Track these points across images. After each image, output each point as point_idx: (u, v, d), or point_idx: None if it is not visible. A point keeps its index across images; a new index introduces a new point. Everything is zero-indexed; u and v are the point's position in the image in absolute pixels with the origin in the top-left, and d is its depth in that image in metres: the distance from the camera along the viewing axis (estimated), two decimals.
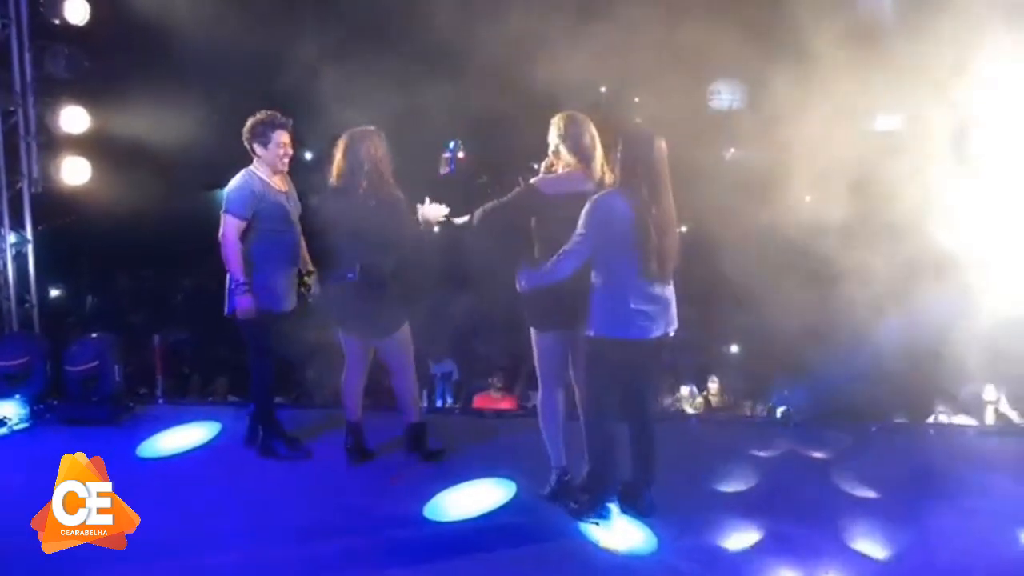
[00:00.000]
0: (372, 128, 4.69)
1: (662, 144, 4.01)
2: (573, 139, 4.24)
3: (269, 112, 4.82)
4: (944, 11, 5.64)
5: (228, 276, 4.80)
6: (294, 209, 4.96)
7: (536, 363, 4.46)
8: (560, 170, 4.30)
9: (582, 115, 4.32)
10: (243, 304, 4.70)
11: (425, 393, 9.53)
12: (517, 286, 4.25)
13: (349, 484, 4.82)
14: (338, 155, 4.64)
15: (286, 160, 4.87)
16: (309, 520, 4.38)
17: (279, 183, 4.89)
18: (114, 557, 3.77)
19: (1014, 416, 7.29)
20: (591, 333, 4.08)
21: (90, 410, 5.82)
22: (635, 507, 4.31)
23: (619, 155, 3.98)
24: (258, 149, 4.80)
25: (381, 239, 4.59)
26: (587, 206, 3.97)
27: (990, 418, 7.37)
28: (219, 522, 4.37)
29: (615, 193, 3.96)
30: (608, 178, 4.07)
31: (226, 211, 4.71)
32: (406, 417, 5.00)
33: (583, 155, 4.22)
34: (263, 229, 4.77)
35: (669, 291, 4.15)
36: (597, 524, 4.22)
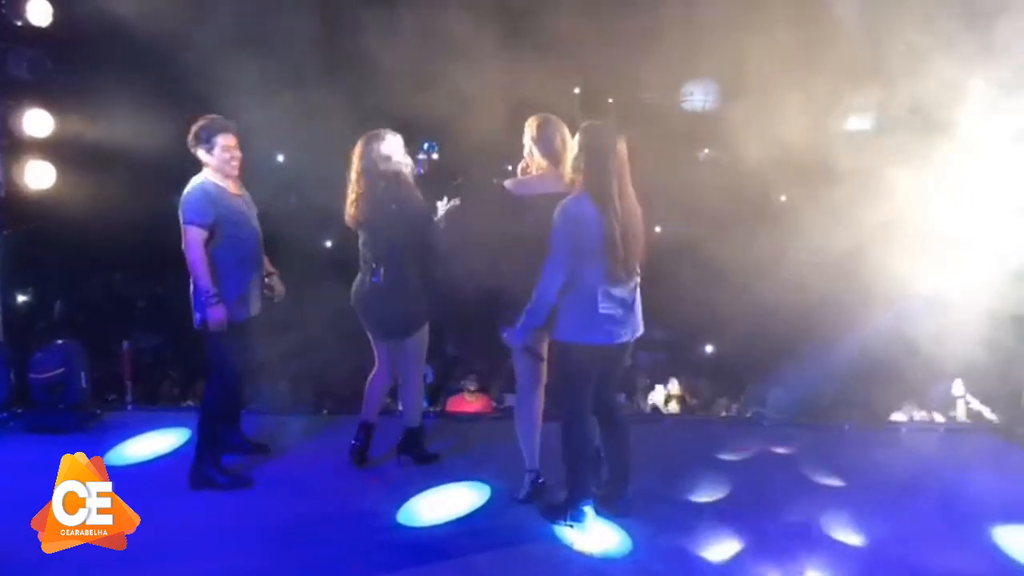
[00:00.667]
0: (387, 130, 4.67)
1: (623, 143, 3.98)
2: (545, 141, 4.25)
3: (210, 116, 4.65)
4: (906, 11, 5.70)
5: (193, 287, 4.63)
6: (252, 211, 4.83)
7: (515, 364, 4.45)
8: (534, 172, 4.32)
9: (555, 117, 4.33)
10: (215, 316, 4.51)
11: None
12: (508, 340, 4.20)
13: (322, 489, 4.77)
14: (354, 159, 4.63)
15: (234, 164, 4.68)
16: (280, 526, 4.33)
17: (233, 187, 4.72)
18: (82, 566, 3.71)
19: (985, 411, 7.35)
20: (560, 338, 4.07)
21: (56, 418, 5.71)
22: (610, 509, 4.31)
23: (583, 155, 3.94)
24: (203, 155, 4.61)
25: (403, 240, 4.59)
26: (556, 213, 3.92)
27: (961, 413, 7.43)
28: (189, 529, 4.30)
29: (582, 197, 3.93)
30: (572, 179, 4.02)
31: (187, 222, 4.50)
32: (405, 420, 4.97)
33: (555, 157, 4.23)
34: (225, 235, 4.60)
35: (635, 295, 4.14)
36: (571, 527, 4.20)
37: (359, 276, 4.74)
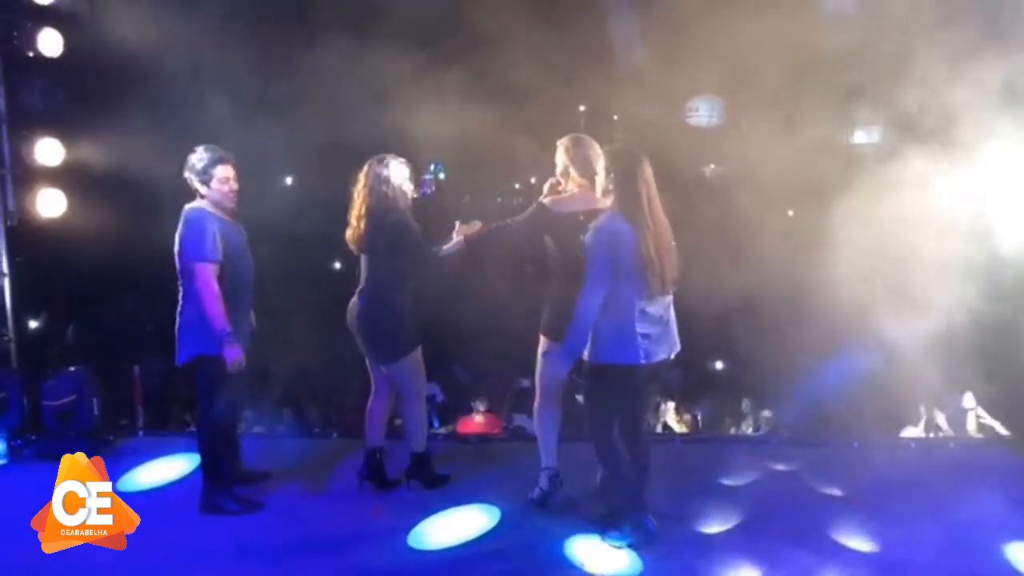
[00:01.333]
0: (392, 156, 4.72)
1: (647, 163, 4.03)
2: (582, 160, 4.38)
3: (207, 146, 4.62)
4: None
5: (184, 322, 4.59)
6: (246, 241, 4.79)
7: (542, 368, 4.55)
8: (570, 190, 4.44)
9: (587, 136, 4.48)
10: (234, 355, 4.48)
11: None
12: (552, 366, 4.30)
13: (332, 514, 4.77)
14: (360, 181, 4.68)
15: (232, 196, 4.65)
16: (290, 550, 4.34)
17: (229, 217, 4.67)
18: None
19: (996, 425, 7.32)
20: (596, 359, 4.04)
21: (69, 444, 5.65)
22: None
23: (612, 175, 4.00)
24: (201, 188, 4.58)
25: (392, 266, 4.62)
26: (590, 233, 3.97)
27: (972, 426, 7.39)
28: (199, 553, 4.32)
29: (616, 215, 3.97)
30: (603, 199, 4.09)
31: (199, 259, 4.44)
32: (410, 445, 4.94)
33: (592, 175, 4.31)
34: (229, 269, 4.56)
35: (671, 312, 4.15)
36: (635, 546, 4.16)
37: (353, 298, 4.77)
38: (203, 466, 4.79)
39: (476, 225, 4.60)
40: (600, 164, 4.10)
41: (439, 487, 4.95)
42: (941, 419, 7.53)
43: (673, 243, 4.07)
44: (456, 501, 4.81)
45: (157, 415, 8.08)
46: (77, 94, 6.38)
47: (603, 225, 3.96)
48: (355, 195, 4.69)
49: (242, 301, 4.72)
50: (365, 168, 4.69)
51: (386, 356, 4.77)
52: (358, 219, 4.66)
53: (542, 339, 4.52)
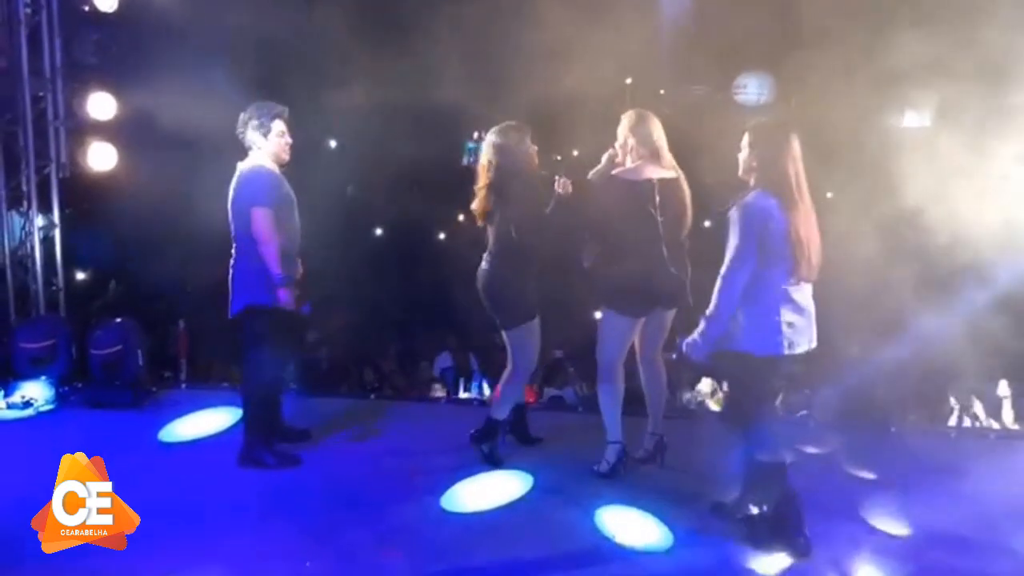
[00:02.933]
0: (514, 124, 4.72)
1: (796, 140, 3.80)
2: (644, 134, 4.50)
3: (263, 102, 4.72)
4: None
5: (239, 272, 4.70)
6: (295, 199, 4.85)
7: (602, 343, 4.61)
8: (631, 162, 4.52)
9: (650, 113, 4.59)
10: (287, 297, 4.58)
11: (461, 383, 9.53)
12: (689, 353, 3.99)
13: (368, 475, 4.84)
14: (485, 149, 4.71)
15: (288, 149, 4.75)
16: (326, 510, 4.40)
17: (280, 172, 4.78)
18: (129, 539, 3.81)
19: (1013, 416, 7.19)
20: (736, 348, 3.82)
21: (113, 394, 5.90)
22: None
23: (756, 151, 3.81)
24: (258, 140, 4.66)
25: (513, 233, 4.62)
26: (737, 211, 3.73)
27: (1007, 414, 7.26)
28: (236, 509, 4.39)
29: (763, 193, 3.73)
30: (744, 178, 3.91)
31: (256, 204, 4.53)
32: (491, 408, 4.98)
33: (654, 148, 4.47)
34: (281, 223, 4.65)
35: (811, 301, 3.91)
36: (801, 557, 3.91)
37: (481, 263, 4.82)
38: (245, 418, 4.88)
39: (568, 182, 4.61)
40: (743, 140, 3.88)
41: (489, 463, 4.89)
42: (978, 407, 7.42)
43: (817, 229, 3.81)
44: (491, 466, 4.85)
45: (199, 370, 8.23)
46: (130, 49, 6.46)
47: (750, 201, 3.73)
48: (482, 163, 4.72)
49: (295, 256, 4.80)
50: (494, 137, 4.68)
51: (502, 322, 4.80)
52: (486, 187, 4.69)
53: (602, 309, 4.56)
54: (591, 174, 4.70)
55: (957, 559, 3.97)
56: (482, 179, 4.72)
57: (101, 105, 6.44)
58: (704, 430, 5.46)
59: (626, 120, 4.57)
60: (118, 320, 6.19)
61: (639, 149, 4.49)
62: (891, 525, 4.24)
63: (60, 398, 5.93)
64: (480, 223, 4.81)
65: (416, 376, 9.52)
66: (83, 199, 6.57)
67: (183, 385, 6.66)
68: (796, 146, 3.78)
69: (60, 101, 6.53)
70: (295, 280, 4.76)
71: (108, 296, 8.18)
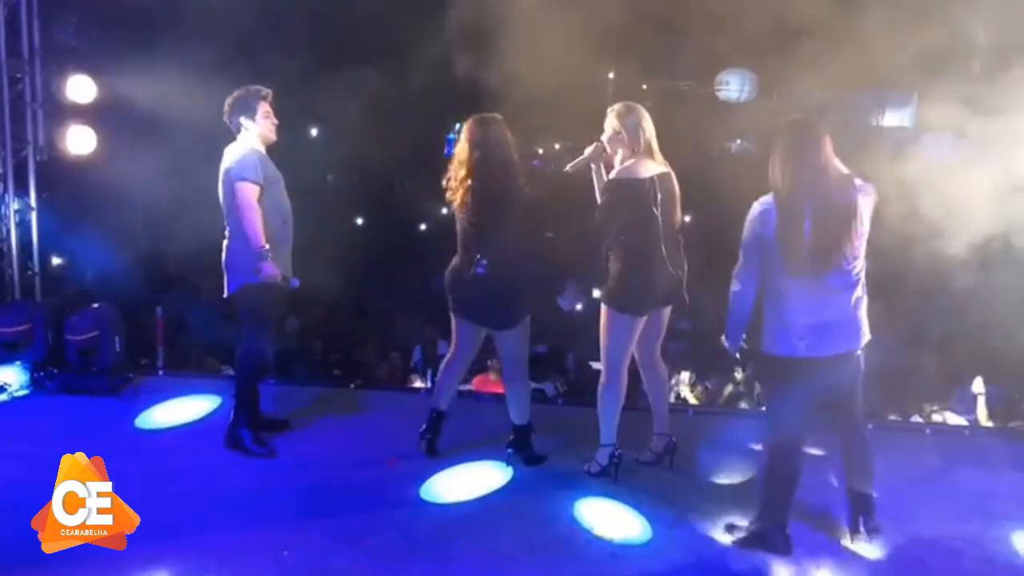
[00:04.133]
0: (498, 116, 4.55)
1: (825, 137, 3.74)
2: (634, 127, 4.40)
3: (247, 86, 4.79)
4: None
5: (231, 251, 4.76)
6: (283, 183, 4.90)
7: (606, 343, 4.51)
8: (622, 157, 4.45)
9: (639, 105, 4.48)
10: (270, 270, 4.61)
11: (429, 373, 9.53)
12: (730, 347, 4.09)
13: (345, 465, 4.83)
14: (464, 141, 4.52)
15: (274, 129, 4.84)
16: (304, 500, 4.39)
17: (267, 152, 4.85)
18: None
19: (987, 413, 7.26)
20: (762, 348, 3.89)
21: (90, 380, 5.83)
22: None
23: (776, 153, 3.75)
24: (245, 122, 4.75)
25: (510, 231, 4.48)
26: (749, 215, 3.79)
27: (981, 411, 7.33)
28: (214, 498, 4.37)
29: (769, 198, 3.75)
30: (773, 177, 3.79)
31: (241, 178, 4.59)
32: (514, 417, 4.77)
33: (645, 141, 4.40)
34: (271, 197, 4.72)
35: (842, 300, 3.77)
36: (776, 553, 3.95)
37: (456, 260, 4.63)
38: (236, 397, 4.91)
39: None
40: (776, 140, 3.80)
41: (537, 465, 4.79)
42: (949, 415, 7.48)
43: (848, 226, 3.67)
44: (470, 458, 4.86)
45: (177, 357, 8.18)
46: (111, 31, 6.38)
47: (755, 206, 3.78)
48: (462, 155, 4.50)
49: (285, 236, 4.85)
50: (472, 128, 4.50)
51: (505, 322, 4.61)
52: (468, 181, 4.45)
53: (604, 310, 4.48)
54: (569, 167, 4.65)
55: (931, 556, 4.03)
56: (463, 171, 4.48)
57: (80, 88, 6.36)
58: (681, 425, 5.47)
59: (615, 113, 4.47)
60: (95, 305, 6.12)
61: (631, 143, 4.41)
62: (868, 523, 4.28)
63: (35, 384, 5.86)
64: (461, 213, 4.58)
65: (390, 366, 9.49)
66: (61, 183, 6.48)
67: (160, 372, 6.61)
68: (810, 141, 3.71)
69: (38, 83, 6.44)
70: (287, 261, 4.81)
71: (86, 281, 8.11)
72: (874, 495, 4.04)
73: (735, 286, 3.87)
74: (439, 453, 4.86)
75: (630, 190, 4.35)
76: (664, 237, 4.41)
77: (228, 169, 4.69)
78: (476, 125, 4.52)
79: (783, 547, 3.94)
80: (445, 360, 4.93)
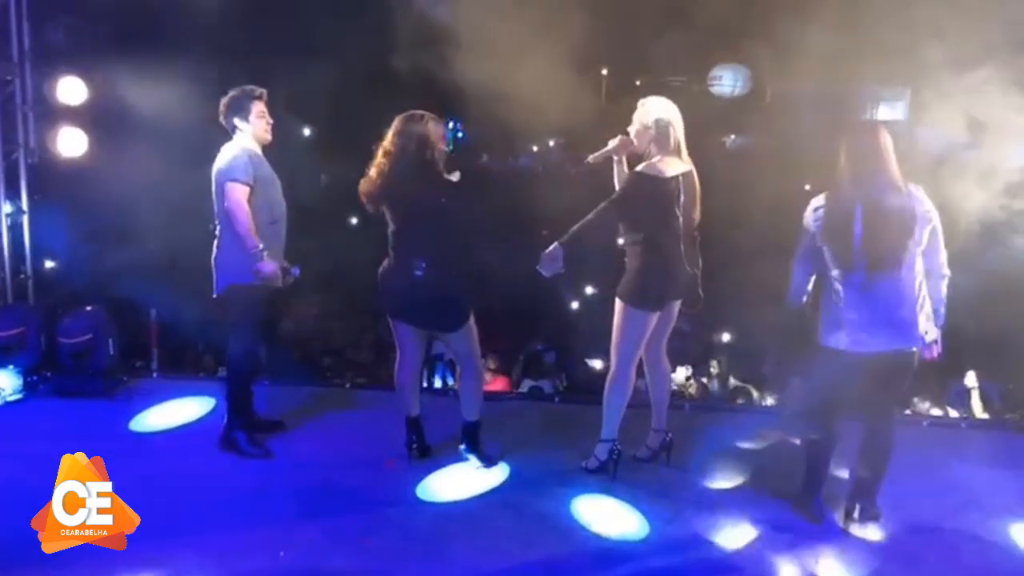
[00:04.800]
0: (423, 112, 4.44)
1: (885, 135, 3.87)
2: (665, 124, 4.36)
3: (241, 87, 4.76)
4: None
5: (222, 251, 4.74)
6: (279, 183, 4.89)
7: (619, 337, 4.47)
8: (653, 152, 4.38)
9: (669, 100, 4.44)
10: (268, 269, 4.59)
11: (424, 374, 9.53)
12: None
13: (344, 464, 4.81)
14: (391, 139, 4.39)
15: (269, 129, 4.82)
16: (300, 499, 4.38)
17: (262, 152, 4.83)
18: None
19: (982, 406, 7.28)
20: (817, 339, 4.08)
21: (84, 383, 5.81)
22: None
23: (841, 153, 3.90)
24: (240, 123, 4.73)
25: (449, 227, 4.41)
26: (807, 208, 3.98)
27: (976, 404, 7.35)
28: (209, 499, 4.36)
29: (821, 198, 3.95)
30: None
31: (232, 179, 4.57)
32: (465, 413, 4.72)
33: (676, 141, 4.36)
34: (263, 196, 4.70)
35: (890, 301, 3.85)
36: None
37: (387, 263, 4.49)
38: (228, 399, 4.89)
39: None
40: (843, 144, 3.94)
41: (491, 465, 4.75)
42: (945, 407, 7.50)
43: (899, 225, 3.78)
44: (464, 457, 4.83)
45: (172, 357, 8.16)
46: (102, 33, 6.34)
47: (815, 199, 3.96)
48: (385, 152, 4.38)
49: (277, 237, 4.83)
50: (399, 125, 4.40)
51: (450, 324, 4.54)
52: (390, 179, 4.34)
53: (620, 305, 4.43)
54: (591, 158, 4.59)
55: (930, 549, 4.03)
56: (384, 165, 4.35)
57: (71, 90, 6.33)
58: (678, 420, 5.47)
59: (646, 108, 4.41)
60: (88, 308, 6.09)
61: (661, 140, 4.35)
62: (867, 514, 4.29)
63: (29, 387, 5.83)
64: (373, 209, 4.44)
65: (387, 366, 9.48)
66: (52, 185, 6.44)
67: (155, 374, 6.59)
68: (884, 141, 3.84)
69: (29, 85, 6.40)
70: (278, 258, 4.79)
71: (80, 284, 8.06)
72: (879, 486, 4.14)
73: (793, 267, 4.14)
74: (433, 452, 4.85)
75: (654, 186, 4.28)
76: (683, 235, 4.38)
77: (219, 170, 4.68)
78: (400, 122, 4.40)
79: (812, 517, 4.21)
80: (395, 368, 4.77)
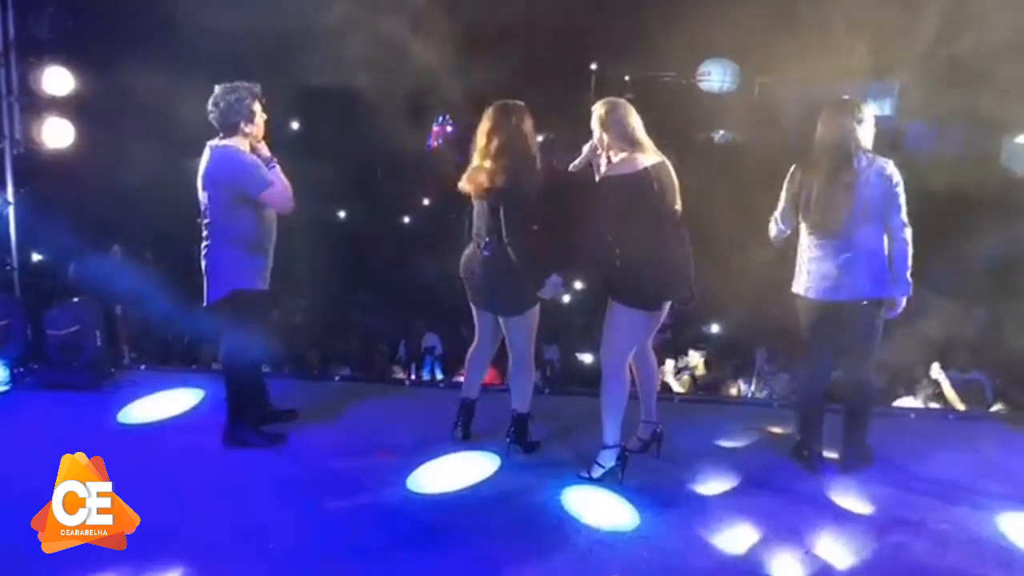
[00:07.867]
0: (517, 102, 4.48)
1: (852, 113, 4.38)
2: (618, 125, 4.32)
3: (240, 85, 4.62)
4: None
5: (212, 258, 4.63)
6: None
7: (614, 338, 4.43)
8: (612, 158, 4.36)
9: (623, 100, 4.42)
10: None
11: (413, 367, 9.53)
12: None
13: (334, 455, 4.81)
14: (487, 128, 4.43)
15: (263, 126, 4.73)
16: (290, 491, 4.38)
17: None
18: None
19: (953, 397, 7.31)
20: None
21: (71, 375, 5.78)
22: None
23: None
24: (246, 127, 4.60)
25: (522, 216, 4.41)
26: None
27: (949, 394, 7.37)
28: (199, 492, 4.35)
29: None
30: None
31: (265, 187, 4.51)
32: (515, 404, 4.80)
33: (632, 138, 4.31)
34: (260, 206, 4.63)
35: (846, 257, 4.39)
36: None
37: (470, 247, 4.62)
38: (229, 401, 4.86)
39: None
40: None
41: (532, 452, 4.83)
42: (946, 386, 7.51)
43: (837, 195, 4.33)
44: (455, 448, 4.86)
45: (163, 351, 8.13)
46: (87, 23, 6.27)
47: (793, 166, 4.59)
48: (485, 141, 4.44)
49: (272, 240, 4.80)
50: (496, 116, 4.44)
51: (510, 308, 4.60)
52: (492, 168, 4.39)
53: (614, 306, 4.40)
54: (572, 166, 4.56)
55: (917, 540, 4.04)
56: (485, 157, 4.44)
57: (57, 80, 6.25)
58: (668, 412, 5.49)
59: (597, 113, 4.38)
60: (75, 300, 6.05)
61: (618, 143, 4.32)
62: (852, 506, 4.32)
63: (15, 379, 5.80)
64: (478, 200, 4.54)
65: (379, 358, 9.47)
66: (38, 177, 6.37)
67: (143, 367, 6.54)
68: (826, 120, 4.42)
69: (14, 76, 6.33)
70: (271, 262, 4.79)
71: (66, 276, 7.99)
72: (865, 431, 4.67)
73: (776, 219, 4.67)
74: (473, 437, 4.95)
75: (623, 187, 4.25)
76: (668, 228, 4.34)
77: (232, 182, 4.54)
78: (498, 112, 4.47)
79: (808, 465, 4.66)
80: (470, 350, 4.98)
